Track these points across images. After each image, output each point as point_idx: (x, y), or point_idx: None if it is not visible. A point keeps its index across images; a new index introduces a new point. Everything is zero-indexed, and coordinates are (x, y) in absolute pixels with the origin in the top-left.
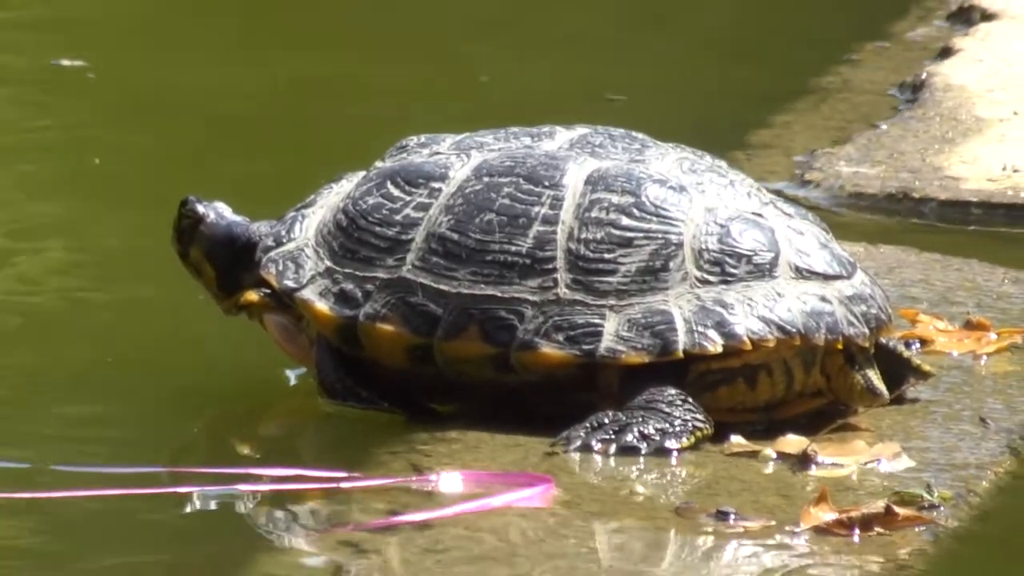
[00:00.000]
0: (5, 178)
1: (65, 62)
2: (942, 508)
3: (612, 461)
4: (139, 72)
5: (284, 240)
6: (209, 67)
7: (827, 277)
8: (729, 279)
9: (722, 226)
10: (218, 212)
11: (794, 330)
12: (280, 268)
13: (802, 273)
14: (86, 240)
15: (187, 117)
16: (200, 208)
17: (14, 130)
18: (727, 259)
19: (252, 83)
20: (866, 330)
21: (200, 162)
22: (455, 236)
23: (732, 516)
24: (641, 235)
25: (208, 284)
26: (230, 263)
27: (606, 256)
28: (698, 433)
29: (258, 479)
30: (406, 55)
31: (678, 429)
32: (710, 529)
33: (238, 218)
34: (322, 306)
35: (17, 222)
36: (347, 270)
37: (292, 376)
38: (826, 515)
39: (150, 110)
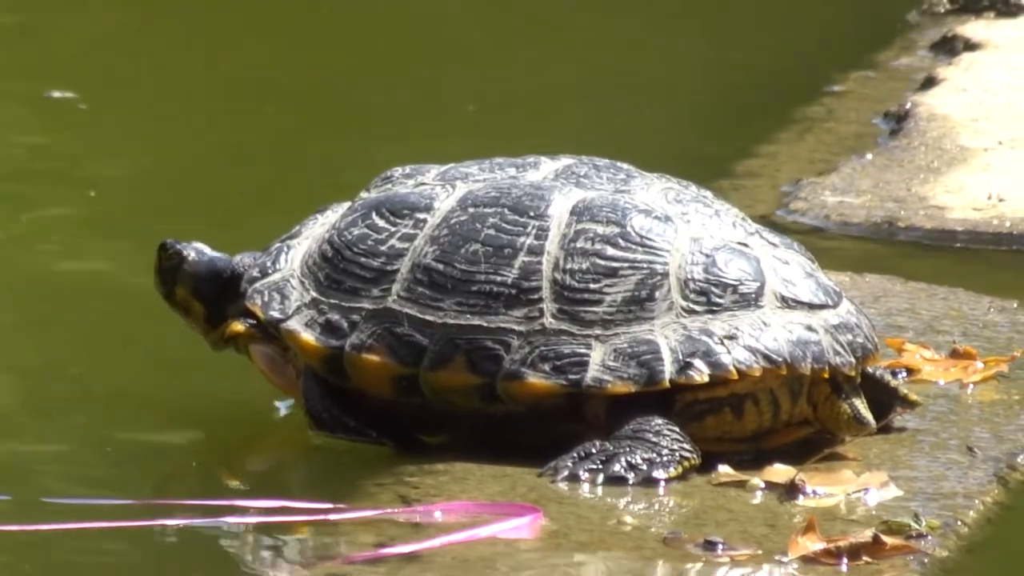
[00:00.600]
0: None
1: (56, 94)
2: (930, 537)
3: (600, 491)
4: (129, 101)
5: (269, 271)
6: (198, 93)
7: (813, 306)
8: (715, 309)
9: (707, 256)
10: (198, 250)
11: (780, 359)
12: (266, 299)
13: (788, 303)
14: (77, 270)
15: (180, 143)
16: (181, 249)
17: (11, 163)
18: (713, 289)
19: (241, 108)
20: (852, 359)
21: (195, 189)
22: (441, 267)
23: (720, 546)
24: (627, 265)
25: (196, 320)
26: (216, 297)
27: (592, 286)
28: (686, 463)
29: (245, 511)
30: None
31: (665, 459)
32: (698, 559)
33: (218, 254)
34: (308, 337)
35: (12, 239)
36: (333, 301)
37: (281, 408)
38: (814, 545)
39: (143, 137)
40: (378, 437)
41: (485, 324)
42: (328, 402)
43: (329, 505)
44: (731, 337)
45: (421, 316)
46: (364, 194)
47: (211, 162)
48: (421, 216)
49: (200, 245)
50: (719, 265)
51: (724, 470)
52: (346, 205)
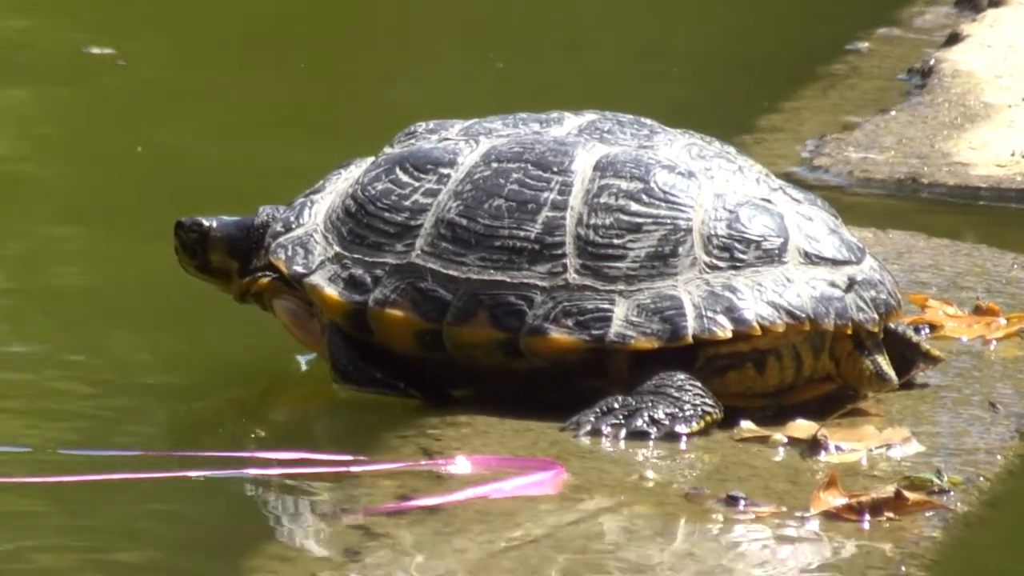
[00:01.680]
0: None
1: (95, 50)
2: (952, 493)
3: (622, 446)
4: (168, 60)
5: (293, 225)
6: (237, 59)
7: (836, 262)
8: (738, 264)
9: (731, 212)
10: (218, 218)
11: (803, 315)
12: (289, 254)
13: (811, 258)
14: (102, 234)
15: (216, 108)
16: (200, 220)
17: (47, 123)
18: (736, 245)
19: (276, 74)
20: (875, 315)
21: (229, 154)
22: (464, 222)
23: (742, 501)
24: (650, 221)
25: (233, 279)
26: (248, 252)
27: (615, 242)
28: (708, 418)
29: (267, 463)
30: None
31: (688, 414)
32: (720, 515)
33: (235, 217)
34: (331, 291)
35: (49, 210)
36: (356, 256)
37: (303, 362)
38: (836, 500)
39: (178, 98)
40: (406, 388)
41: (508, 279)
42: (353, 355)
43: (351, 457)
44: (755, 292)
45: (444, 271)
46: (388, 149)
47: (246, 127)
48: (445, 171)
49: (209, 217)
50: (742, 221)
51: (746, 426)
52: (369, 160)
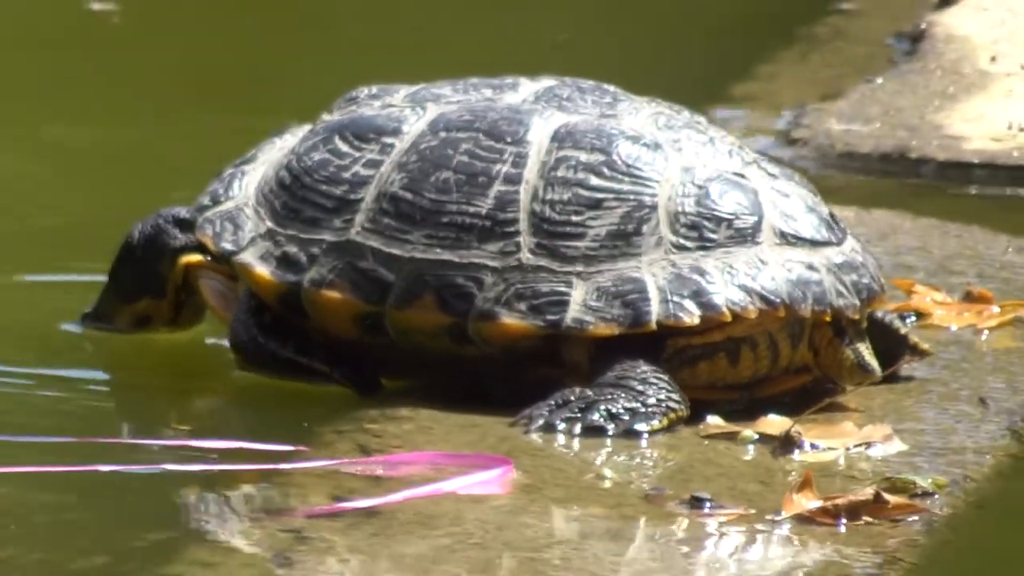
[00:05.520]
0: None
1: (96, 6)
2: (936, 496)
3: (577, 443)
4: (166, 21)
5: (222, 199)
6: (235, 23)
7: (815, 243)
8: (708, 245)
9: (700, 187)
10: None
11: (778, 300)
12: (217, 229)
13: (787, 239)
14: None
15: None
16: (83, 317)
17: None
18: (705, 223)
19: (265, 38)
20: (857, 301)
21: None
22: (409, 196)
23: (707, 503)
24: (612, 196)
25: (151, 310)
26: (140, 272)
27: (574, 219)
28: (671, 415)
29: (191, 456)
30: None
31: (650, 410)
32: (683, 517)
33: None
34: (263, 271)
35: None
36: (290, 232)
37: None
38: (810, 503)
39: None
40: (331, 374)
41: (456, 259)
42: (255, 331)
43: (284, 448)
44: (725, 275)
45: (387, 250)
46: (326, 116)
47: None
48: (388, 141)
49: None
50: (713, 197)
51: (714, 421)
52: (306, 128)
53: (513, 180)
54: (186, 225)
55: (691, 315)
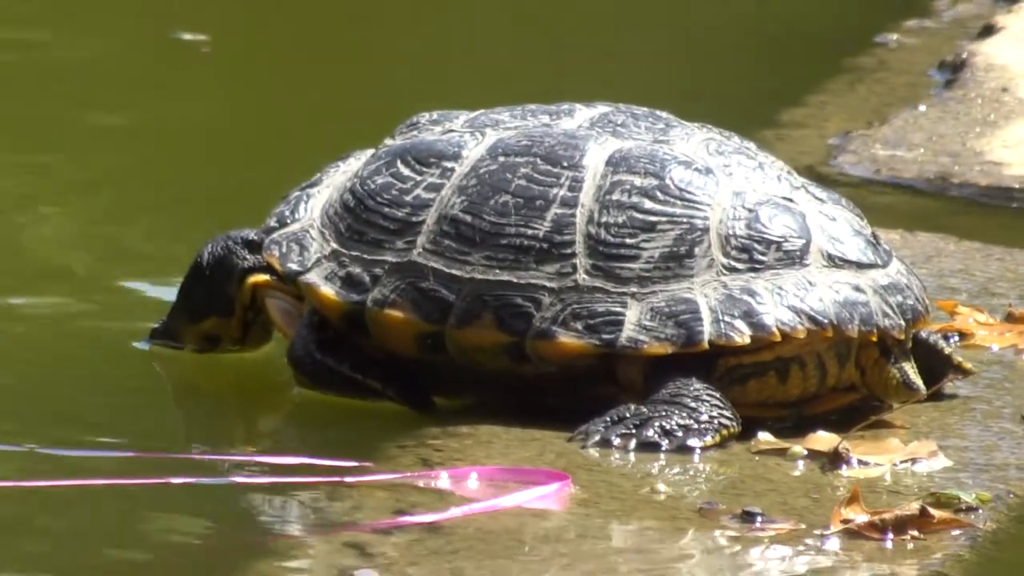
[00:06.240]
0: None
1: (187, 36)
2: (980, 511)
3: (632, 458)
4: (258, 48)
5: (288, 221)
6: (327, 48)
7: (861, 266)
8: (757, 267)
9: (750, 211)
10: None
11: (826, 321)
12: (284, 250)
13: (835, 261)
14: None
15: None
16: (152, 332)
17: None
18: (755, 245)
19: (353, 58)
20: (902, 322)
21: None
22: (468, 218)
23: (758, 517)
24: (665, 219)
25: (218, 329)
26: (213, 295)
27: (628, 241)
28: (724, 431)
29: (257, 471)
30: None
31: (703, 426)
32: (735, 531)
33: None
34: (328, 291)
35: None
36: (354, 253)
37: None
38: (858, 517)
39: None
40: (384, 391)
41: (515, 280)
42: (313, 347)
43: (348, 464)
44: (775, 296)
45: (447, 270)
46: (389, 141)
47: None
48: (449, 165)
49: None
50: (762, 220)
51: (764, 437)
52: (369, 152)
53: (569, 203)
54: (254, 246)
55: (742, 335)
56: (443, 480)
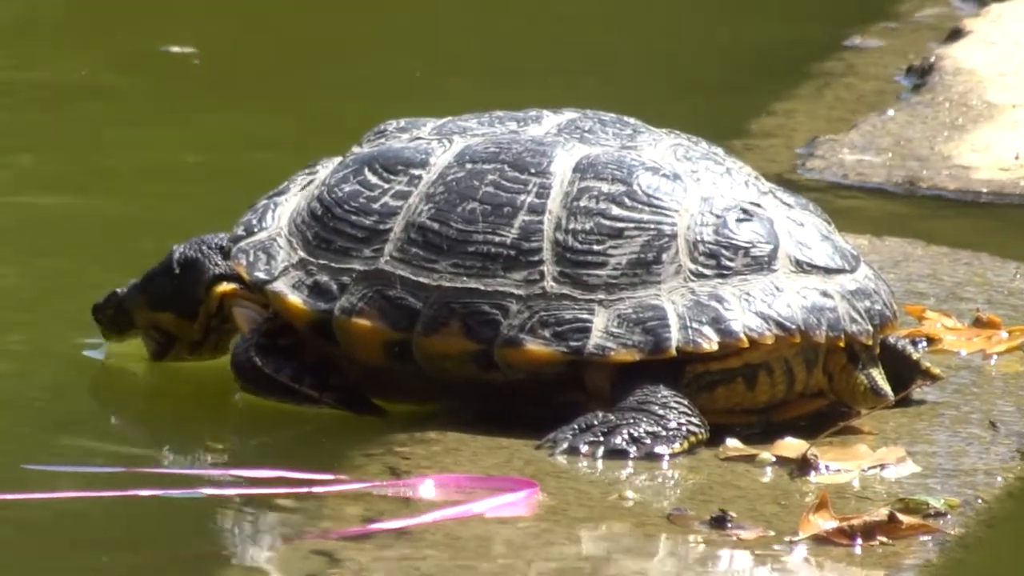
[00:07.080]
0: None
1: (175, 48)
2: (949, 516)
3: (600, 465)
4: (246, 61)
5: (255, 229)
6: (321, 64)
7: (829, 271)
8: (725, 273)
9: (718, 216)
10: (128, 283)
11: (793, 327)
12: (251, 259)
13: (802, 267)
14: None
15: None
16: (108, 296)
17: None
18: (723, 251)
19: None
20: (870, 327)
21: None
22: (436, 226)
23: (728, 522)
24: (632, 226)
25: (173, 326)
26: (177, 294)
27: (595, 248)
28: (692, 438)
29: (224, 482)
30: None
31: (671, 433)
32: (703, 537)
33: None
34: (295, 299)
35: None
36: (322, 261)
37: None
38: (826, 523)
39: (251, 98)
40: (320, 398)
41: (482, 287)
42: (253, 353)
43: (329, 477)
44: (742, 302)
45: (415, 278)
46: (356, 149)
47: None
48: (416, 172)
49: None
50: (730, 226)
51: (732, 444)
52: (337, 160)
53: (537, 210)
54: (227, 253)
55: (710, 341)
56: (411, 487)
